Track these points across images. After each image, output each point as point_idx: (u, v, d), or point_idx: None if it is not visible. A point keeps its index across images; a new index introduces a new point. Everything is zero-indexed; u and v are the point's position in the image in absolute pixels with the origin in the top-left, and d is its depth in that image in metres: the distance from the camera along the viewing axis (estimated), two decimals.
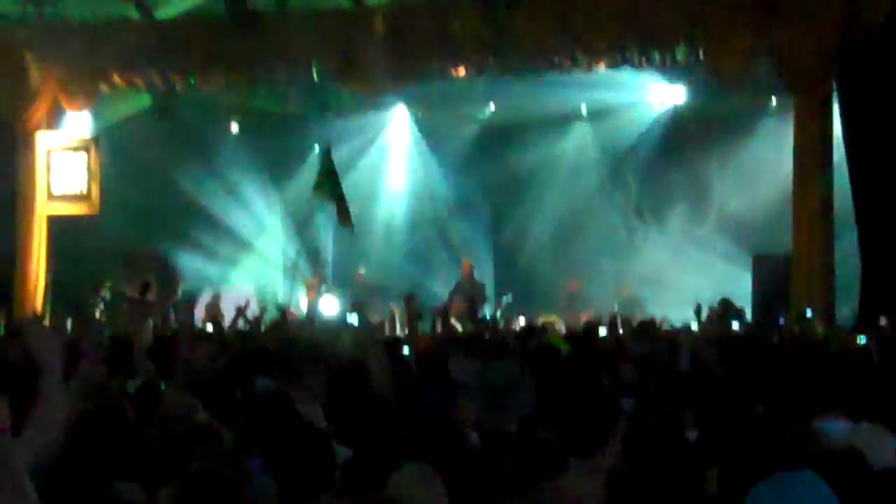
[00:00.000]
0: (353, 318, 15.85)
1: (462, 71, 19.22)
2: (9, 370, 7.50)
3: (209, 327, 17.02)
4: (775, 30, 17.14)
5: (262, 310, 15.87)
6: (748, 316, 17.43)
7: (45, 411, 4.72)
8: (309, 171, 22.33)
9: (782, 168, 18.71)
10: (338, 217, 18.70)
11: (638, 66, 18.40)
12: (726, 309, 16.54)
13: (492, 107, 23.88)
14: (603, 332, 14.80)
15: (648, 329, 14.03)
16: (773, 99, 21.54)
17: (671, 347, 10.23)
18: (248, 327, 13.99)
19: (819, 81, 17.15)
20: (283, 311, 16.68)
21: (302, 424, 5.61)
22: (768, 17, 17.15)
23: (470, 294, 20.48)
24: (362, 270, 22.90)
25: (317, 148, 22.43)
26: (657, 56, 18.14)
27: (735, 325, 15.41)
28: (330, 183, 18.34)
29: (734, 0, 17.48)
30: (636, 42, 17.98)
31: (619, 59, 18.29)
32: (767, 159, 20.96)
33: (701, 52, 17.87)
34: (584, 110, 23.60)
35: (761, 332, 14.41)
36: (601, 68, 18.80)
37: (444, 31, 18.46)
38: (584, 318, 18.85)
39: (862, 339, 12.12)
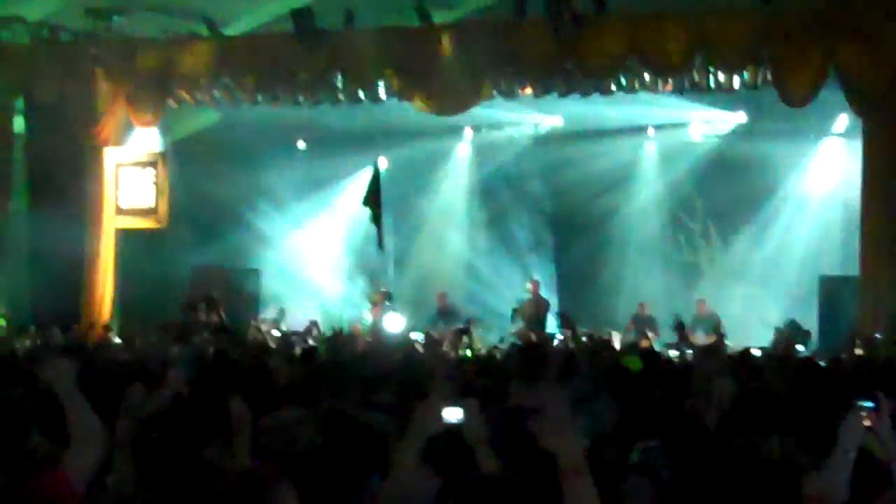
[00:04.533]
0: (417, 336, 15.80)
1: (529, 90, 19.22)
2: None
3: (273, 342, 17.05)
4: (843, 51, 17.02)
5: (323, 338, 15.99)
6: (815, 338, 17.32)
7: (80, 435, 4.93)
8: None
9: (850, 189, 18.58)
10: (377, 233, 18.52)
11: (704, 88, 18.33)
12: (793, 331, 16.43)
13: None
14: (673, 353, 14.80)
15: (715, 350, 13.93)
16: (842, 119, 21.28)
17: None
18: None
19: (888, 103, 16.99)
20: (338, 333, 16.80)
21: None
22: (836, 39, 17.03)
23: (536, 312, 20.38)
24: (444, 291, 22.61)
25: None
26: (724, 78, 18.07)
27: (801, 348, 15.30)
28: (373, 199, 18.30)
29: (802, 22, 17.33)
30: (703, 64, 17.93)
31: (686, 80, 18.24)
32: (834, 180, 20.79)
33: (768, 74, 17.74)
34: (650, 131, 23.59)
35: (828, 354, 14.24)
36: (667, 89, 18.79)
37: (511, 51, 18.43)
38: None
39: None
